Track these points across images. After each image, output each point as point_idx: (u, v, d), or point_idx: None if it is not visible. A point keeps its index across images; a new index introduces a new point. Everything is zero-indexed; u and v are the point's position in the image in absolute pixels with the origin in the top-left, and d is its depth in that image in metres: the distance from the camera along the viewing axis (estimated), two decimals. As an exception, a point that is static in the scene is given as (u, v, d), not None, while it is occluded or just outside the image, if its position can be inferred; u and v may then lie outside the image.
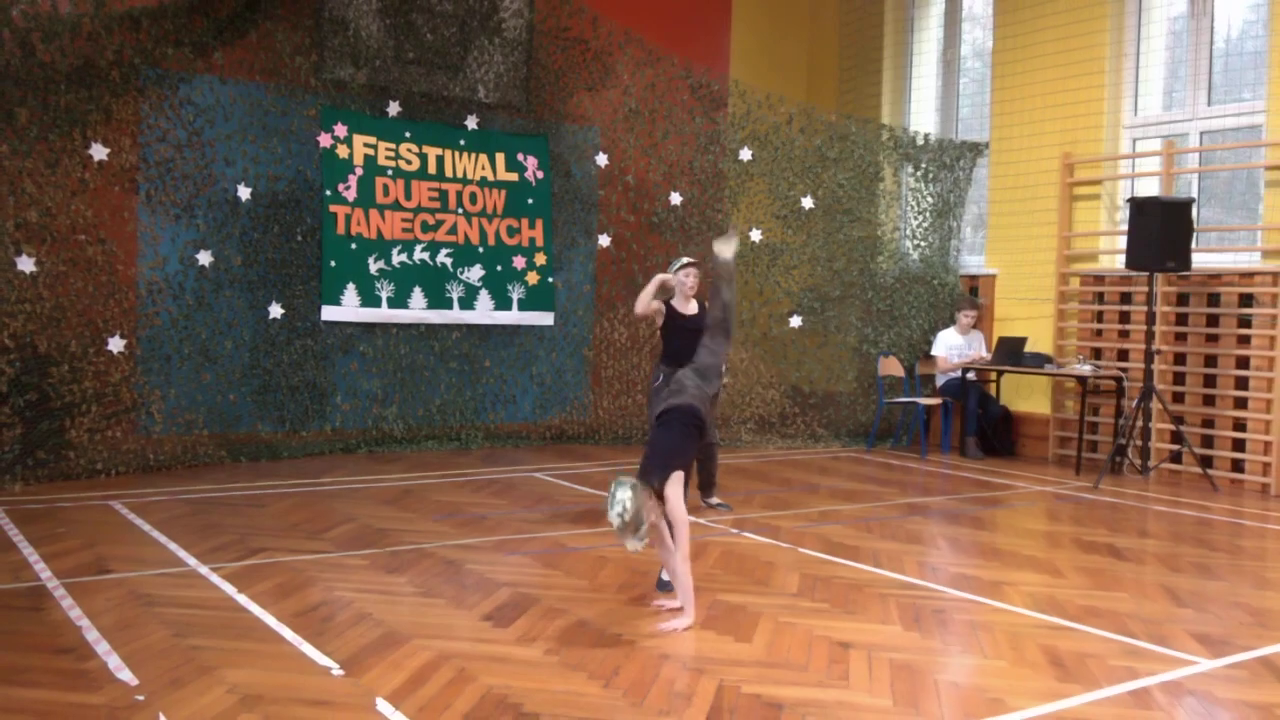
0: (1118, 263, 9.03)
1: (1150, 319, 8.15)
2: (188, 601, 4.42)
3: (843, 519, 6.58)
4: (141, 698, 3.36)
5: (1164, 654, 4.07)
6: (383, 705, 3.34)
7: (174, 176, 7.93)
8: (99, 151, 7.54)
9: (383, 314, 8.84)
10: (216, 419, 8.16)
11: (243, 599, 4.48)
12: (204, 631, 4.03)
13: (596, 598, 4.53)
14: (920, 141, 10.25)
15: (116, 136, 7.63)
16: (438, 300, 9.06)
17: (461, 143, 9.20)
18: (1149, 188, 8.90)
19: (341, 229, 8.62)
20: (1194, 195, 8.59)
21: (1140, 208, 7.91)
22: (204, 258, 8.03)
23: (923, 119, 11.01)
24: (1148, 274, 8.17)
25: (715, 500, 6.71)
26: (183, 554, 5.22)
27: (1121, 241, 8.79)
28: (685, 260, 6.49)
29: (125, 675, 3.54)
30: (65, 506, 6.30)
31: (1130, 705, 3.54)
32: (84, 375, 7.40)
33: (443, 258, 9.07)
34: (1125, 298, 9.00)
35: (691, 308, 6.51)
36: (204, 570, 4.93)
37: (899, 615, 4.50)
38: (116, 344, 7.60)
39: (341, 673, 3.63)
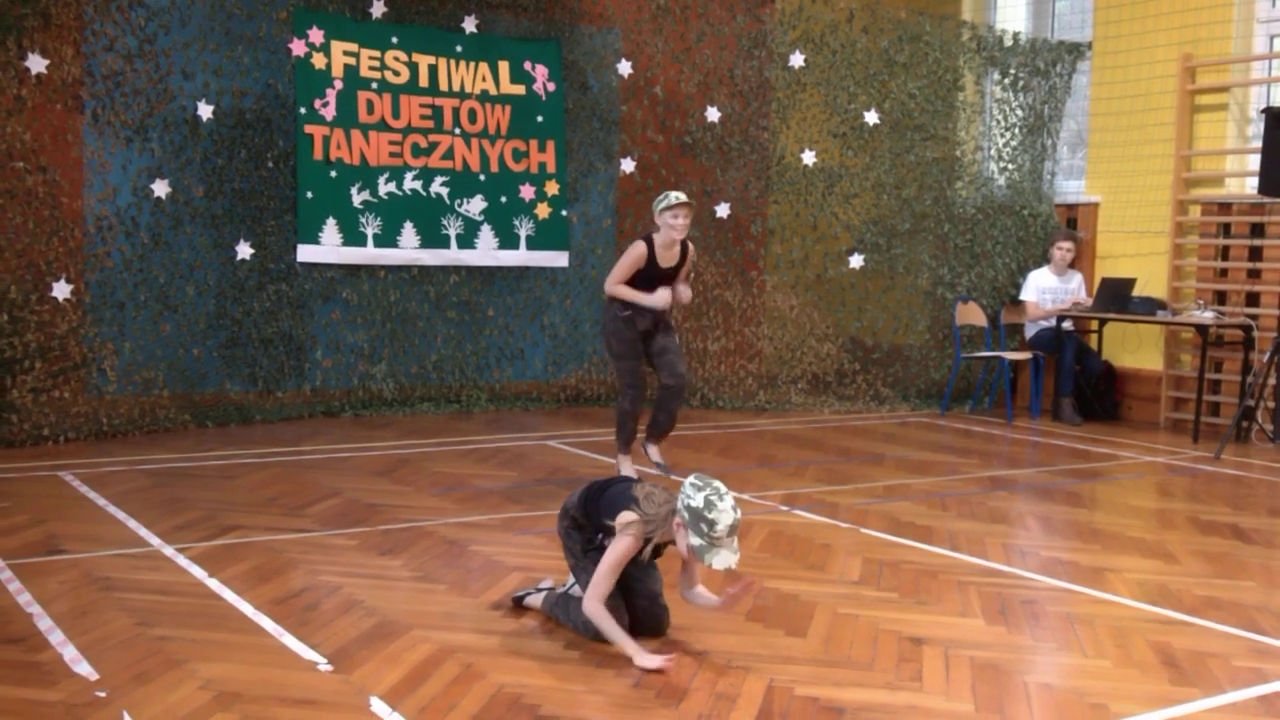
0: (1248, 186, 8.93)
1: (1285, 256, 8.09)
2: (152, 586, 4.52)
3: (913, 494, 6.60)
4: (103, 693, 3.45)
5: (1297, 652, 4.08)
6: (378, 705, 3.42)
7: (124, 92, 7.97)
8: (37, 63, 7.57)
9: (368, 254, 8.88)
10: (178, 377, 8.26)
11: (214, 584, 4.56)
12: (171, 620, 4.11)
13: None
14: (1009, 43, 10.13)
15: (57, 46, 7.66)
16: (432, 238, 9.09)
17: (458, 49, 9.16)
18: (1288, 96, 8.77)
19: (319, 154, 8.64)
20: (1343, 105, 8.48)
21: (1278, 119, 7.83)
22: (160, 188, 8.09)
23: (1012, 15, 10.87)
24: (1284, 201, 8.10)
25: (656, 456, 6.73)
26: (144, 532, 5.32)
27: (1254, 161, 8.68)
28: (675, 198, 6.31)
29: (84, 668, 3.64)
30: (8, 477, 6.42)
31: (1259, 713, 3.56)
32: (25, 326, 7.50)
33: (438, 187, 9.09)
34: (1257, 229, 8.91)
35: (673, 255, 6.45)
36: (169, 551, 5.02)
37: (981, 606, 4.53)
38: (62, 289, 7.69)
39: (330, 668, 3.71)
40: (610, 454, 7.08)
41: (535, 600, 4.31)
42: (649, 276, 6.43)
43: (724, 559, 3.72)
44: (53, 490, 6.18)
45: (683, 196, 6.35)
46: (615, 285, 6.48)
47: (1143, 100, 9.53)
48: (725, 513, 3.71)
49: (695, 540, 3.72)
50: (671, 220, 6.32)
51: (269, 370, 8.61)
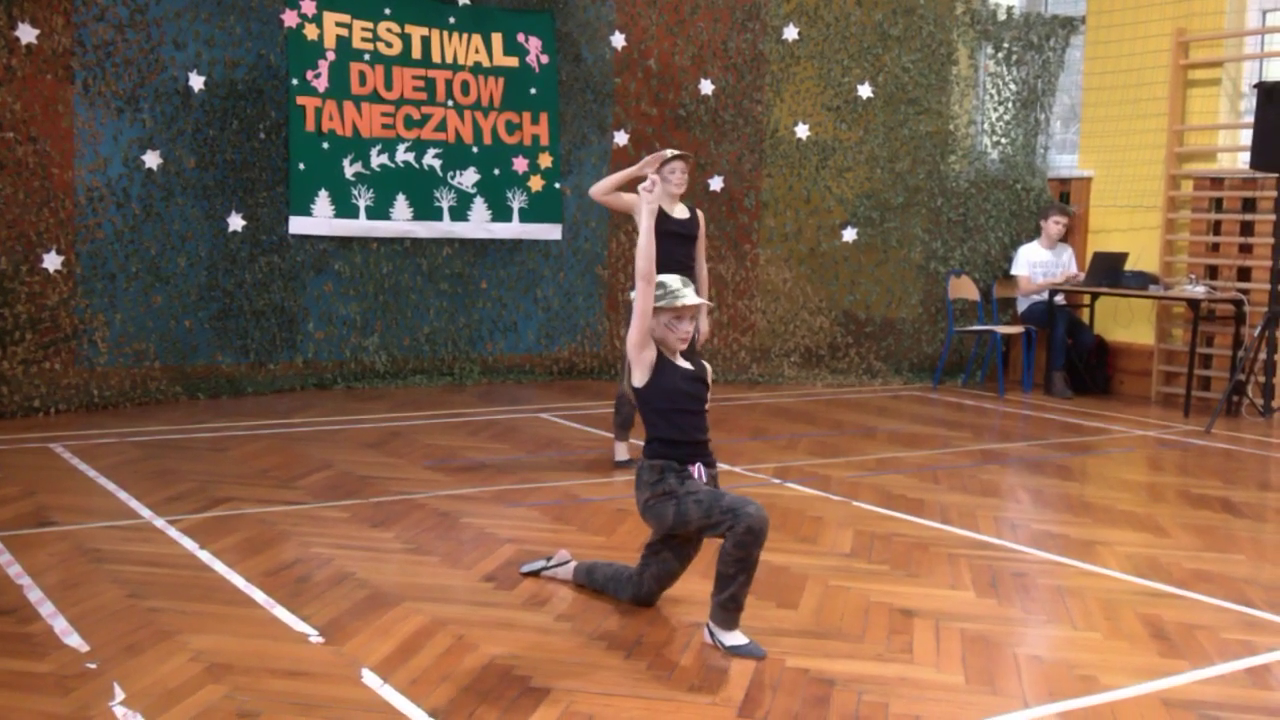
0: (1240, 161, 8.92)
1: (1279, 230, 8.03)
2: (142, 558, 4.51)
3: (904, 467, 6.60)
4: (93, 665, 3.44)
5: (1285, 624, 4.09)
6: (369, 677, 3.41)
7: (115, 62, 7.90)
8: (26, 33, 7.50)
9: (361, 226, 8.84)
10: (170, 349, 8.23)
11: (205, 555, 4.56)
12: (162, 592, 4.10)
13: (615, 556, 4.58)
14: (1002, 16, 10.07)
15: (47, 15, 7.59)
16: (425, 210, 9.05)
17: (451, 21, 9.10)
18: (1280, 71, 8.74)
19: (311, 125, 8.59)
20: (1334, 80, 8.45)
21: (1270, 94, 7.80)
22: (152, 159, 8.03)
23: (1006, -11, 10.82)
24: (1277, 175, 8.06)
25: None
26: (135, 504, 5.30)
27: (1246, 136, 8.66)
28: (671, 153, 6.28)
29: (74, 640, 3.63)
30: (-3, 450, 6.41)
31: (1247, 684, 3.57)
32: (15, 297, 7.47)
33: (430, 159, 9.04)
34: (1248, 204, 8.89)
35: (680, 210, 6.34)
36: (160, 523, 5.01)
37: (971, 579, 4.53)
38: (52, 261, 7.65)
39: (321, 640, 3.70)
40: (595, 425, 7.06)
41: (564, 574, 4.34)
42: (663, 230, 6.28)
43: (689, 297, 4.02)
44: (43, 462, 6.15)
45: (674, 152, 6.27)
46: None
47: (1136, 75, 9.49)
48: (670, 278, 4.08)
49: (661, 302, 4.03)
50: (668, 175, 6.27)
51: (261, 342, 8.58)
